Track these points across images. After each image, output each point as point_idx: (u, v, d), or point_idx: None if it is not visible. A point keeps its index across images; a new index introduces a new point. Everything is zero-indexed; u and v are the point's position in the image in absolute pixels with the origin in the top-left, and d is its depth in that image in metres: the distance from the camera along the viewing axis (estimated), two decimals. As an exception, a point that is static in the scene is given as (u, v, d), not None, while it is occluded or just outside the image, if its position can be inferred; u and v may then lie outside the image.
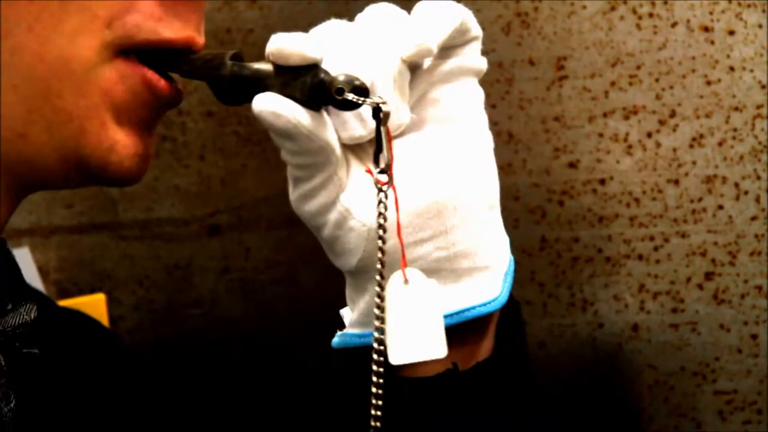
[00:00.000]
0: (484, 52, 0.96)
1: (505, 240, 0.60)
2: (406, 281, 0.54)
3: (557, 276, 0.98)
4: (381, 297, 0.53)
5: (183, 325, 1.01)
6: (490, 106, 0.96)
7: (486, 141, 0.58)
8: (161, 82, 0.53)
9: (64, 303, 0.92)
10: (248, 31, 0.98)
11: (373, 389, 0.53)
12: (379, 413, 0.53)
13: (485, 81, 0.96)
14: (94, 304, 0.93)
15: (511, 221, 0.97)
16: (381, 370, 0.53)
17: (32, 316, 0.56)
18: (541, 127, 0.96)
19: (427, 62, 0.56)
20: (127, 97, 0.52)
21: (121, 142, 0.52)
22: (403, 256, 0.53)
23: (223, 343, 1.01)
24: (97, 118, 0.51)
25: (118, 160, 0.52)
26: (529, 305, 0.98)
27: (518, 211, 0.97)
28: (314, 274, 1.00)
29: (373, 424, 0.53)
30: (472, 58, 0.58)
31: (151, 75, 0.52)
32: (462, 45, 0.57)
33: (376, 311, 0.53)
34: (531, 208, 0.97)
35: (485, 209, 0.57)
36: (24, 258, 0.96)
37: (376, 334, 0.53)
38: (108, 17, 0.50)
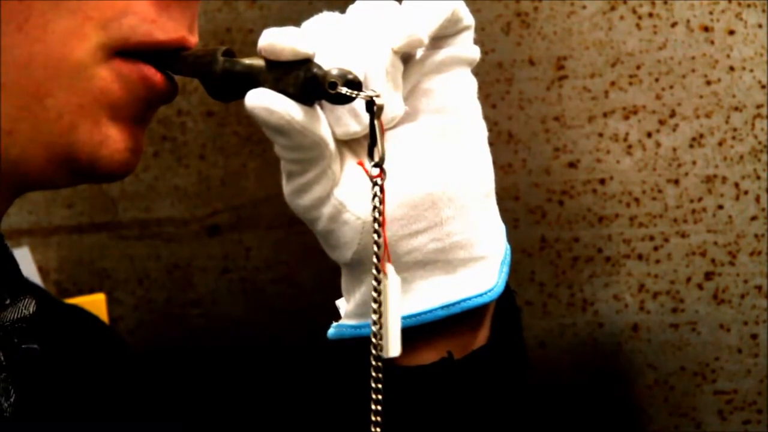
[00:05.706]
0: (484, 52, 0.96)
1: (501, 228, 0.59)
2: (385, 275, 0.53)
3: (557, 276, 0.98)
4: (378, 291, 0.52)
5: (183, 325, 1.01)
6: (490, 106, 0.97)
7: (480, 130, 0.58)
8: (157, 76, 0.53)
9: (63, 303, 0.92)
10: (248, 31, 0.98)
11: (372, 383, 0.52)
12: (379, 407, 0.53)
13: (485, 81, 0.97)
14: (94, 304, 0.93)
15: (511, 221, 0.97)
16: (379, 364, 0.53)
17: (31, 311, 0.56)
18: (541, 127, 0.96)
19: (419, 53, 0.56)
20: (122, 95, 0.52)
21: (112, 137, 0.52)
22: (386, 249, 0.53)
23: (223, 343, 1.01)
24: (90, 116, 0.51)
25: (108, 153, 0.52)
26: (529, 305, 0.98)
27: (518, 211, 0.97)
28: (314, 274, 1.00)
29: (373, 419, 0.52)
30: (465, 47, 0.57)
31: (148, 70, 0.52)
32: (454, 35, 0.57)
33: (374, 305, 0.53)
34: (531, 208, 0.97)
35: (481, 199, 0.57)
36: (24, 258, 0.96)
37: (374, 328, 0.52)
38: (102, 19, 0.50)
